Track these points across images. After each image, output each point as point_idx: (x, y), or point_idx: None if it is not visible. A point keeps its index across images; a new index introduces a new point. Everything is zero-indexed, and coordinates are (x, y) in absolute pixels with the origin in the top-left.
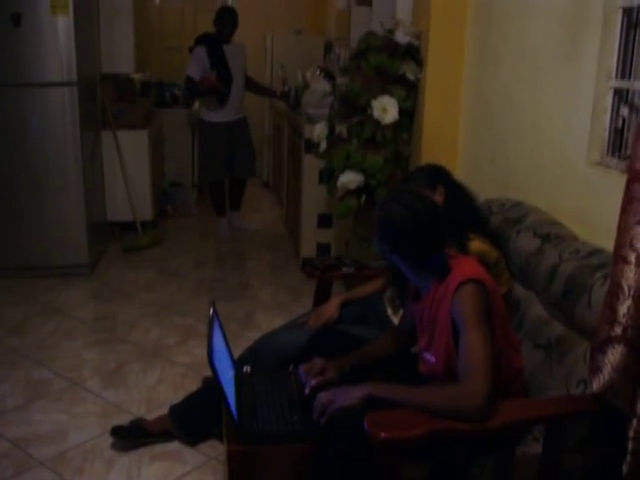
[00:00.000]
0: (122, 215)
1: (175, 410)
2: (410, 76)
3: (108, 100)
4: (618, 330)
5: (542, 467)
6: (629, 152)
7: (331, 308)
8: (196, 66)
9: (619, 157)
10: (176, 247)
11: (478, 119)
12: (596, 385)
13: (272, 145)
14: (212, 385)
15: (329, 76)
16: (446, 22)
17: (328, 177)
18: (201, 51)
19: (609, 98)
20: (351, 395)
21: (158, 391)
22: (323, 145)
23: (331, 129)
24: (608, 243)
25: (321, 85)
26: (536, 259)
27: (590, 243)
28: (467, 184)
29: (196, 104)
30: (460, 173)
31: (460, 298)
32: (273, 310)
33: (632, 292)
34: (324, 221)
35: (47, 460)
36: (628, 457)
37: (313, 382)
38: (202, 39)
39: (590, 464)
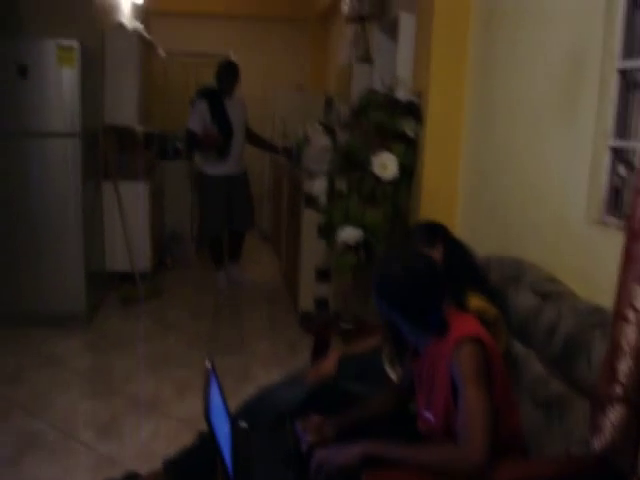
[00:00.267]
0: (121, 265)
1: (169, 465)
2: (410, 133)
3: (110, 151)
4: (618, 390)
5: None
6: (627, 211)
7: (329, 364)
8: (197, 119)
9: (617, 216)
10: (174, 299)
11: (477, 176)
12: (597, 445)
13: (271, 198)
14: (207, 440)
15: (329, 131)
16: (445, 81)
17: (327, 232)
18: (202, 104)
19: (607, 157)
20: (348, 453)
21: (153, 444)
22: (323, 200)
23: (331, 184)
24: (607, 301)
25: (321, 140)
26: (535, 317)
27: (589, 301)
28: (466, 240)
29: (197, 157)
30: (459, 229)
31: (459, 356)
32: (270, 364)
33: (632, 351)
34: (322, 275)
35: None
36: None
37: (310, 439)
38: (203, 92)
39: None
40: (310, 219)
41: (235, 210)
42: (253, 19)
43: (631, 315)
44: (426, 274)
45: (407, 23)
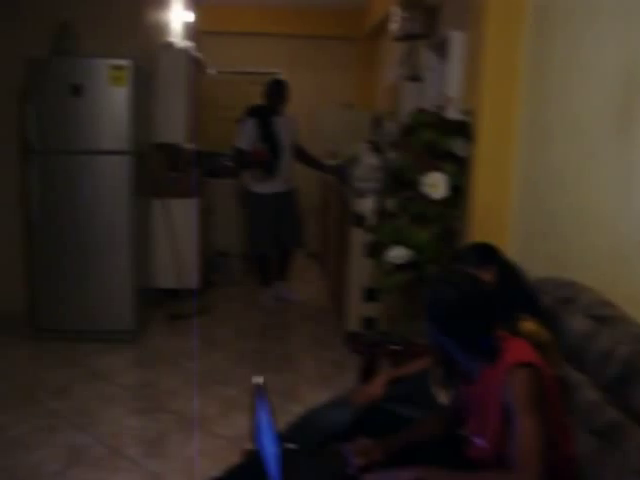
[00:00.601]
0: (169, 282)
1: None
2: (460, 153)
3: (160, 169)
4: None
5: None
6: None
7: (377, 386)
8: (245, 138)
9: None
10: (221, 316)
11: (529, 196)
12: None
13: (319, 217)
14: (254, 459)
15: (378, 150)
16: (497, 99)
17: (376, 251)
18: (250, 123)
19: None
20: (399, 478)
21: (199, 462)
22: (372, 219)
23: (381, 203)
24: None
25: (370, 159)
26: (589, 341)
27: None
28: (517, 261)
29: (245, 175)
30: (510, 250)
31: (513, 382)
32: (317, 384)
33: None
34: (370, 295)
35: None
36: None
37: (358, 462)
38: (252, 111)
39: None
40: (358, 238)
41: (283, 228)
42: (301, 38)
43: None
44: (479, 297)
45: (457, 42)
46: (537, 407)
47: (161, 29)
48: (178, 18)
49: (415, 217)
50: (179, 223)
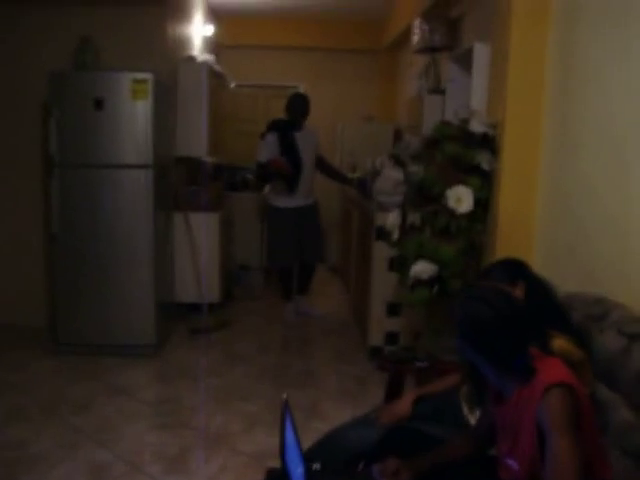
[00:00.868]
0: (190, 296)
1: None
2: (485, 166)
3: (181, 182)
4: None
5: None
6: None
7: (405, 405)
8: (266, 152)
9: None
10: (242, 330)
11: (556, 209)
12: None
13: (340, 230)
14: (277, 478)
15: (399, 163)
16: (522, 112)
17: (400, 266)
18: (272, 137)
19: None
20: None
21: None
22: (396, 233)
23: (404, 217)
24: None
25: (392, 172)
26: (622, 359)
27: None
28: (544, 276)
29: (266, 189)
30: (537, 264)
31: (548, 403)
32: (340, 400)
33: None
34: (393, 310)
35: None
36: None
37: None
38: (273, 125)
39: None
40: (381, 252)
41: (305, 242)
42: (322, 51)
43: None
44: (511, 314)
45: (481, 53)
46: (572, 428)
47: (182, 43)
48: (199, 31)
49: (440, 231)
50: (200, 237)
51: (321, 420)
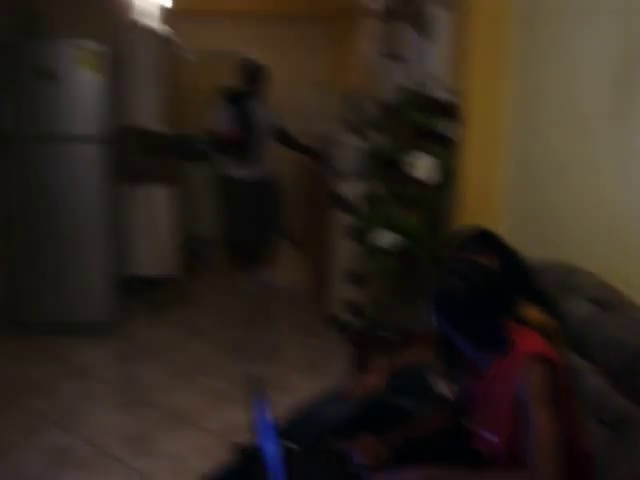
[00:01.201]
0: (147, 270)
1: None
2: (448, 133)
3: (134, 154)
4: None
5: None
6: None
7: (375, 377)
8: (221, 122)
9: None
10: (202, 304)
11: (521, 178)
12: None
13: (297, 200)
14: (248, 457)
15: (356, 131)
16: (487, 79)
17: (362, 235)
18: (227, 107)
19: None
20: (407, 478)
21: (188, 459)
22: (358, 203)
23: (366, 186)
24: None
25: (350, 141)
26: (594, 327)
27: None
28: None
29: (223, 160)
30: (502, 233)
31: (528, 377)
32: (304, 372)
33: None
34: (353, 279)
35: None
36: None
37: (363, 460)
38: (227, 94)
39: None
40: (340, 221)
41: (263, 213)
42: (275, 17)
43: None
44: (488, 287)
45: (442, 19)
46: (553, 401)
47: (132, 10)
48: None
49: (402, 200)
50: (155, 209)
51: (287, 393)
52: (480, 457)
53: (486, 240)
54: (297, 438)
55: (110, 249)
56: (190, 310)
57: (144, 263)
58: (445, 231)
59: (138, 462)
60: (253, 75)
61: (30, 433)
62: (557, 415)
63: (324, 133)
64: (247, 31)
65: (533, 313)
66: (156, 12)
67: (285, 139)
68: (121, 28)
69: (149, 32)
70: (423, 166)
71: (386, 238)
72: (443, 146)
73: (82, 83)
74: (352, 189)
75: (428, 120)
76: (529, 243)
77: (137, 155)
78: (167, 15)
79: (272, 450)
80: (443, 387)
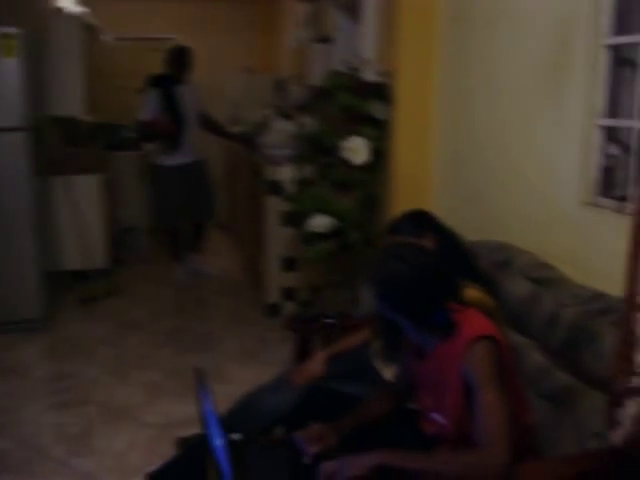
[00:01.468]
0: (76, 264)
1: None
2: (379, 115)
3: (58, 144)
4: (636, 381)
5: None
6: (620, 191)
7: (316, 364)
8: (148, 109)
9: (610, 197)
10: (133, 296)
11: (453, 159)
12: (617, 439)
13: (227, 186)
14: (194, 449)
15: (286, 115)
16: (416, 60)
17: (297, 220)
18: (153, 93)
19: (597, 136)
20: (360, 464)
21: (130, 456)
22: (292, 188)
23: (298, 171)
24: (602, 284)
25: (280, 125)
26: (531, 304)
27: (588, 287)
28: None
29: (149, 147)
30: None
31: (473, 357)
32: (242, 361)
33: None
34: (289, 265)
35: None
36: None
37: (313, 450)
38: (153, 80)
39: None
40: (274, 207)
41: (194, 200)
42: (199, 0)
43: None
44: (429, 269)
45: (369, 1)
46: (498, 380)
47: None
48: None
49: (336, 184)
50: (82, 200)
51: (227, 383)
52: (429, 438)
53: (423, 221)
54: (239, 429)
55: (37, 243)
56: (123, 302)
57: (73, 257)
58: (379, 213)
59: (80, 462)
60: (178, 59)
61: None
62: (504, 393)
63: (254, 118)
64: (171, 14)
65: (473, 293)
66: None
67: (209, 126)
68: (39, 12)
69: (69, 16)
70: (355, 149)
71: (321, 222)
72: (375, 128)
73: (0, 71)
74: (285, 174)
75: (359, 103)
76: (462, 223)
77: (61, 145)
78: None
79: (219, 442)
80: (387, 371)
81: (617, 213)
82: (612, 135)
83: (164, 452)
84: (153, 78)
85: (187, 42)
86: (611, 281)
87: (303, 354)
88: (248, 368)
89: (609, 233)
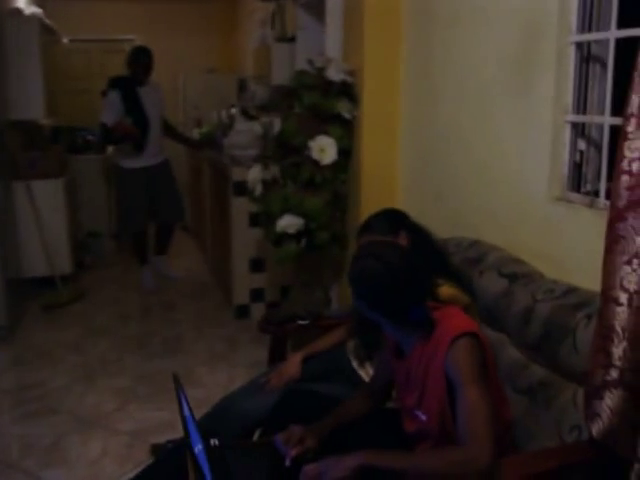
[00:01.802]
0: (39, 270)
1: None
2: (345, 114)
3: (18, 149)
4: (614, 374)
5: None
6: (590, 187)
7: (292, 366)
8: (110, 112)
9: (580, 192)
10: (99, 301)
11: (420, 156)
12: (596, 431)
13: (190, 188)
14: (171, 456)
15: (249, 116)
16: (380, 60)
17: (264, 221)
18: (115, 96)
19: (567, 133)
20: (342, 466)
21: (103, 465)
22: (259, 189)
23: (265, 171)
24: (574, 279)
25: (243, 125)
26: (506, 300)
27: (561, 281)
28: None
29: (110, 149)
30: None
31: (456, 354)
32: (212, 364)
33: (627, 334)
34: (257, 266)
35: None
36: None
37: (293, 452)
38: (115, 82)
39: None
40: (240, 208)
41: (161, 202)
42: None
43: (623, 297)
44: (405, 267)
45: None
46: (481, 377)
47: None
48: None
49: (304, 184)
50: (44, 205)
51: (198, 387)
52: (409, 438)
53: (396, 219)
54: (216, 433)
55: None
56: (88, 308)
57: (36, 263)
58: (347, 212)
59: (51, 474)
60: (141, 62)
61: None
62: (486, 390)
63: (216, 119)
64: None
65: (447, 290)
66: None
67: (167, 130)
68: None
69: (28, 17)
70: (323, 148)
71: (289, 222)
72: (341, 127)
73: None
74: (251, 175)
75: (325, 101)
76: (429, 222)
77: (22, 149)
78: None
79: (197, 448)
80: (361, 369)
81: (588, 208)
82: (582, 131)
83: (138, 459)
84: (114, 80)
85: (145, 43)
86: (583, 275)
87: (278, 356)
88: (218, 371)
89: (580, 228)
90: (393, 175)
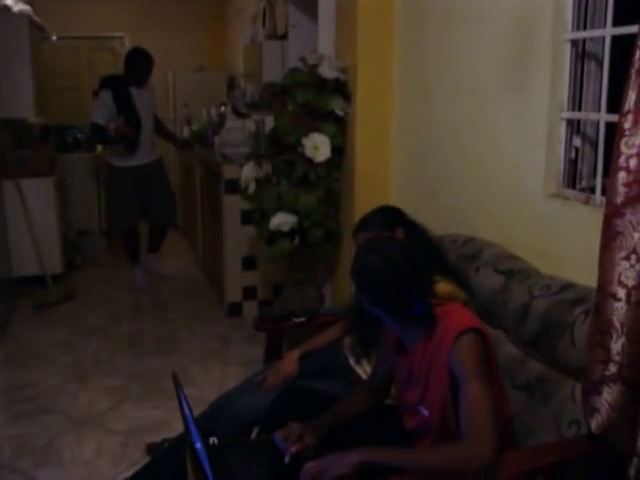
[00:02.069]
0: (29, 269)
1: None
2: (339, 112)
3: (7, 147)
4: (613, 369)
5: None
6: (586, 183)
7: (289, 363)
8: (102, 111)
9: (576, 188)
10: (90, 300)
11: (414, 153)
12: (595, 426)
13: (181, 186)
14: (168, 455)
15: (239, 114)
16: (374, 56)
17: (259, 219)
18: (107, 95)
19: (562, 130)
20: (344, 462)
21: (98, 465)
22: (252, 187)
23: (258, 169)
24: (570, 275)
25: (234, 123)
26: (503, 296)
27: (558, 277)
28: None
29: (99, 147)
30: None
31: (460, 349)
32: (206, 362)
33: (625, 329)
34: (249, 264)
35: None
36: None
37: (293, 449)
38: (107, 82)
39: None
40: (232, 206)
41: (153, 202)
42: None
43: (621, 293)
44: (406, 262)
45: None
46: (485, 373)
47: None
48: None
49: (297, 181)
50: (34, 204)
51: (191, 386)
52: (409, 434)
53: (393, 216)
54: (214, 431)
55: None
56: (80, 307)
57: (27, 262)
58: (340, 210)
59: (46, 474)
60: (141, 64)
61: None
62: (489, 386)
63: (206, 116)
64: (118, 12)
65: (444, 286)
66: None
67: (158, 129)
68: None
69: (18, 15)
70: (317, 146)
71: (283, 220)
72: (335, 124)
73: None
74: (247, 173)
75: (318, 98)
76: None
77: (12, 148)
78: None
79: (197, 447)
80: (359, 365)
81: (584, 204)
82: (577, 128)
83: (133, 458)
84: (106, 79)
85: (134, 40)
86: (579, 271)
87: (275, 354)
88: (212, 369)
89: (576, 224)
90: (387, 172)
